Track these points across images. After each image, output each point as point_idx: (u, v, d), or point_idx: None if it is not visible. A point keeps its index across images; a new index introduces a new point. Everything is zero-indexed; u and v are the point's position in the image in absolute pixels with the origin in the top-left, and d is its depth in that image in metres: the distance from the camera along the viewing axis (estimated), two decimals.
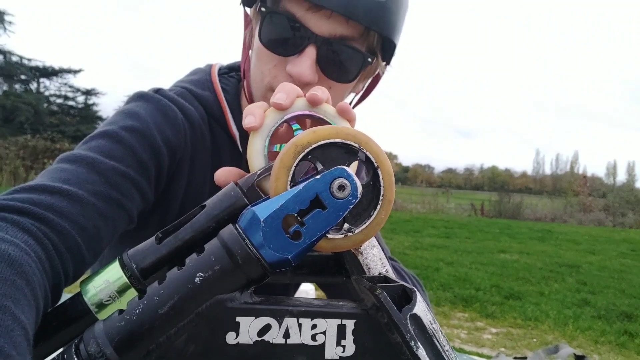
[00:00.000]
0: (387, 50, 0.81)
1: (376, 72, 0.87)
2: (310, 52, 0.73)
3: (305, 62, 0.73)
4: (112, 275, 0.50)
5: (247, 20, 0.84)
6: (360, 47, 0.76)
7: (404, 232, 9.95)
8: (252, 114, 0.54)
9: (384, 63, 0.85)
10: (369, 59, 0.78)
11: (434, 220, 13.14)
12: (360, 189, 0.42)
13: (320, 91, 0.55)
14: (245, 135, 0.81)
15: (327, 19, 0.72)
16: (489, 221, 14.49)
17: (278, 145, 0.56)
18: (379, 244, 0.53)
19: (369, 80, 0.89)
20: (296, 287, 1.04)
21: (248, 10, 0.83)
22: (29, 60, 22.74)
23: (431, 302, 4.86)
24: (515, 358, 2.23)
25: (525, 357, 2.26)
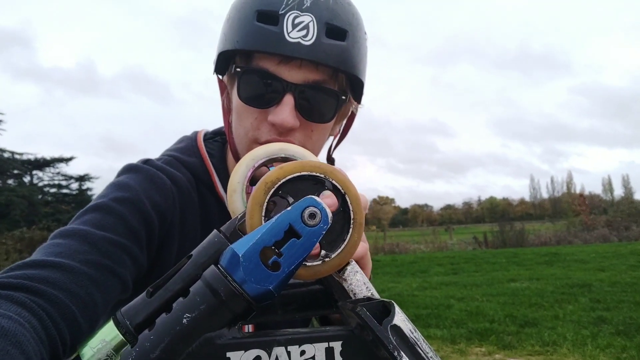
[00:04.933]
0: (356, 89, 0.86)
1: (349, 112, 0.91)
2: (288, 100, 0.78)
3: (285, 110, 0.77)
4: (108, 334, 0.51)
5: (222, 86, 0.89)
6: (332, 88, 0.81)
7: (411, 274, 9.83)
8: None
9: (356, 103, 0.89)
10: (343, 97, 0.83)
11: (439, 258, 13.01)
12: (330, 215, 0.44)
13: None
14: None
15: (299, 68, 0.77)
16: (494, 252, 14.36)
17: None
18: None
19: (344, 122, 0.93)
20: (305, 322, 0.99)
21: (221, 77, 0.88)
22: (21, 154, 23.09)
23: (446, 340, 4.77)
24: None
25: None
